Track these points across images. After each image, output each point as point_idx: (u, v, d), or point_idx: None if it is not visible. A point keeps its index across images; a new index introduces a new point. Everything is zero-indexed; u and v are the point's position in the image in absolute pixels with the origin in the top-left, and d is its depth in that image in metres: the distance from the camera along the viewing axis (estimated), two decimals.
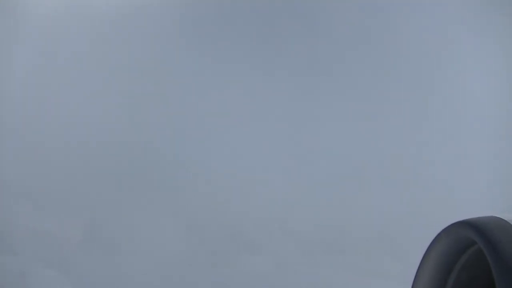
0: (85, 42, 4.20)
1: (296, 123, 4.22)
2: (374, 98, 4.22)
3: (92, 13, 4.20)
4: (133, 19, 4.22)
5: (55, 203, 4.25)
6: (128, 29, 4.21)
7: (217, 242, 4.18)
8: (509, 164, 4.15)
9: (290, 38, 4.27)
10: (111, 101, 4.21)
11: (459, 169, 4.18)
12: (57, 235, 4.20)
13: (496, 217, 1.59)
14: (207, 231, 4.18)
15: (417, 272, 1.64)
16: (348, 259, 4.11)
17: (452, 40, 4.21)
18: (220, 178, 4.16)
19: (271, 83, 4.26)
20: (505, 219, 1.57)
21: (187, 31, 4.26)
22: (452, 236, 1.60)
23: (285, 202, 4.19)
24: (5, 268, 4.19)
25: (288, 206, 4.17)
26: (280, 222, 4.18)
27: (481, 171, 4.15)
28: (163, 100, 4.21)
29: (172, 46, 4.24)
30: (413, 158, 4.20)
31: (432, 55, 4.26)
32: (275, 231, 4.18)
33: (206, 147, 4.21)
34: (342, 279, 4.08)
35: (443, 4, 4.19)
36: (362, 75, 4.27)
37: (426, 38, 4.27)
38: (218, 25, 4.27)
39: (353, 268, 4.08)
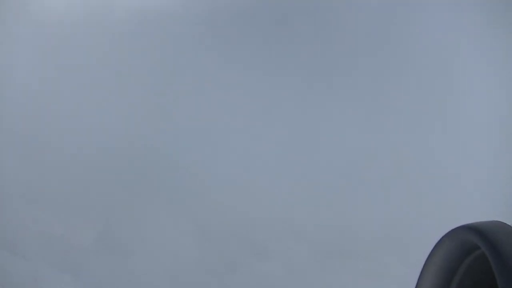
0: (94, 46, 4.22)
1: (304, 126, 4.23)
2: (380, 102, 4.22)
3: (103, 18, 4.23)
4: (141, 23, 4.23)
5: (67, 207, 4.28)
6: (134, 33, 4.23)
7: (227, 247, 4.18)
8: (510, 168, 4.16)
9: (297, 41, 4.28)
10: (124, 106, 4.23)
11: (463, 172, 4.18)
12: (69, 239, 4.22)
13: (499, 221, 1.59)
14: (218, 236, 4.19)
15: (420, 276, 1.64)
16: (358, 263, 4.11)
17: (456, 45, 4.21)
18: (230, 183, 4.18)
19: (278, 88, 4.27)
20: (509, 223, 1.56)
21: (194, 36, 4.27)
22: (455, 240, 1.60)
23: (294, 206, 4.20)
24: (18, 273, 4.22)
25: (297, 210, 4.18)
26: (290, 226, 4.19)
27: (484, 174, 4.15)
28: (174, 106, 4.22)
29: (177, 48, 4.26)
30: (418, 161, 4.20)
31: (437, 60, 4.26)
32: (285, 236, 4.19)
33: (217, 152, 4.23)
34: (352, 283, 4.08)
35: (449, 10, 4.19)
36: (368, 78, 4.27)
37: (432, 44, 4.28)
38: (228, 28, 4.29)
39: (363, 272, 4.07)
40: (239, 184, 4.21)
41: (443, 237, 1.62)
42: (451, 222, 1.78)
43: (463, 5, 4.25)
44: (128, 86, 4.20)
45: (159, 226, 4.25)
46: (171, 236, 4.22)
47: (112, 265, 4.18)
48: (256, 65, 4.25)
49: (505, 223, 1.56)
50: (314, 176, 4.20)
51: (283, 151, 4.23)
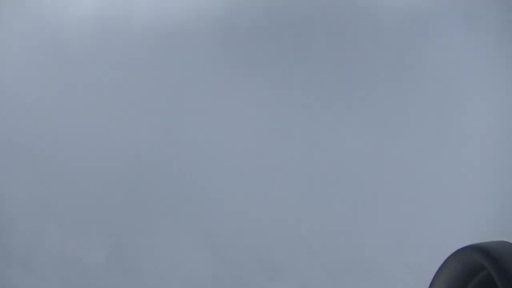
0: (105, 58, 4.25)
1: (318, 142, 4.24)
2: (393, 120, 4.24)
3: (117, 30, 4.26)
4: (155, 38, 4.27)
5: (77, 224, 4.30)
6: (147, 46, 4.26)
7: (240, 266, 4.18)
8: None
9: (313, 58, 4.31)
10: (133, 119, 4.25)
11: (469, 193, 4.19)
12: (80, 257, 4.24)
13: (506, 242, 1.56)
14: (230, 254, 4.19)
15: None
16: (372, 284, 4.10)
17: (471, 72, 4.25)
18: (243, 198, 4.19)
19: (291, 104, 4.29)
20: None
21: (207, 50, 4.29)
22: (461, 261, 1.57)
23: (307, 224, 4.20)
24: None
25: (311, 228, 4.19)
26: (303, 244, 4.19)
27: (494, 193, 4.18)
28: (184, 119, 4.25)
29: (189, 63, 4.28)
30: (435, 180, 4.21)
31: (453, 84, 4.29)
32: (298, 254, 4.19)
33: (228, 167, 4.24)
34: None
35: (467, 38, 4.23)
36: (383, 99, 4.28)
37: (448, 68, 4.31)
38: (242, 44, 4.32)
39: None
40: (254, 203, 4.22)
41: (448, 258, 1.59)
42: (455, 244, 1.76)
43: (482, 32, 4.29)
44: (138, 98, 4.23)
45: (170, 243, 4.27)
46: (183, 255, 4.23)
47: (123, 284, 4.19)
48: (269, 80, 4.28)
49: (511, 244, 1.53)
50: (329, 194, 4.21)
51: (296, 168, 4.25)
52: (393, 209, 4.22)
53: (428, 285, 1.73)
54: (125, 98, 4.24)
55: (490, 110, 4.36)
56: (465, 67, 4.37)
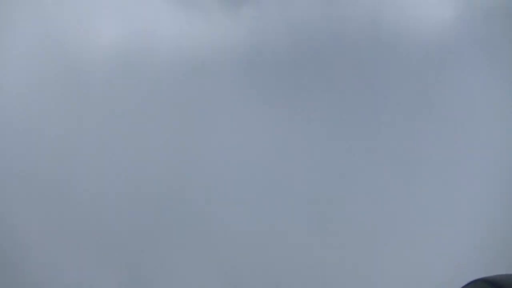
0: (128, 92, 4.36)
1: (333, 176, 4.33)
2: (406, 157, 4.30)
3: (142, 63, 4.42)
4: (179, 73, 4.40)
5: (92, 255, 4.23)
6: (171, 81, 4.41)
7: None
8: None
9: (338, 93, 4.38)
10: (148, 150, 4.29)
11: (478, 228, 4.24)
12: (96, 285, 4.30)
13: None
14: (244, 282, 4.15)
15: None
16: None
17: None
18: (256, 230, 4.17)
19: (314, 140, 4.33)
20: None
21: (231, 86, 4.37)
22: None
23: (319, 256, 4.27)
24: None
25: (323, 259, 4.27)
26: (315, 275, 4.19)
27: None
28: (200, 150, 4.37)
29: (214, 98, 4.34)
30: (437, 217, 4.42)
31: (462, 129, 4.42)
32: (310, 282, 4.25)
33: (246, 200, 4.34)
34: None
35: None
36: (405, 135, 4.38)
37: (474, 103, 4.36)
38: (266, 79, 4.39)
39: None
40: (266, 232, 4.28)
41: None
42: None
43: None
44: (156, 129, 4.31)
45: (184, 271, 4.29)
46: (197, 278, 4.32)
47: None
48: (289, 113, 4.27)
49: None
50: (340, 227, 4.24)
51: (311, 200, 4.34)
52: (402, 241, 4.36)
53: None
54: (142, 129, 4.28)
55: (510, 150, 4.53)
56: (483, 103, 4.50)
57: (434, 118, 4.55)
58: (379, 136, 4.44)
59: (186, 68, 4.40)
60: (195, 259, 4.39)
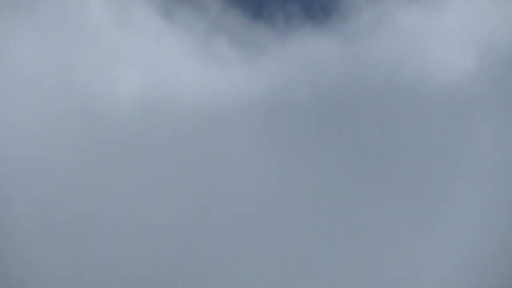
0: (148, 141, 4.62)
1: (355, 230, 4.69)
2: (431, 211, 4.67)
3: (163, 113, 4.67)
4: (199, 123, 4.67)
5: None
6: (191, 131, 4.69)
7: None
8: None
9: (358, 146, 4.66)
10: (173, 197, 4.58)
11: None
12: None
13: None
14: None
15: None
16: None
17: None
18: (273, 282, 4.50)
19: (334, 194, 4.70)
20: None
21: (251, 138, 4.71)
22: None
23: None
24: None
25: None
26: None
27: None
28: (220, 197, 4.67)
29: (232, 143, 4.65)
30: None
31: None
32: None
33: (265, 246, 4.58)
34: None
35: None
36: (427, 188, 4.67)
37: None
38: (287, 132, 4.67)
39: None
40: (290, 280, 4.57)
41: None
42: None
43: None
44: (178, 178, 4.58)
45: None
46: None
47: None
48: (310, 161, 4.69)
49: None
50: (353, 275, 4.64)
51: (335, 248, 4.70)
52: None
53: None
54: (161, 176, 4.59)
55: None
56: (504, 152, 4.78)
57: (455, 169, 4.56)
58: (398, 181, 4.45)
59: (205, 117, 4.54)
60: None
